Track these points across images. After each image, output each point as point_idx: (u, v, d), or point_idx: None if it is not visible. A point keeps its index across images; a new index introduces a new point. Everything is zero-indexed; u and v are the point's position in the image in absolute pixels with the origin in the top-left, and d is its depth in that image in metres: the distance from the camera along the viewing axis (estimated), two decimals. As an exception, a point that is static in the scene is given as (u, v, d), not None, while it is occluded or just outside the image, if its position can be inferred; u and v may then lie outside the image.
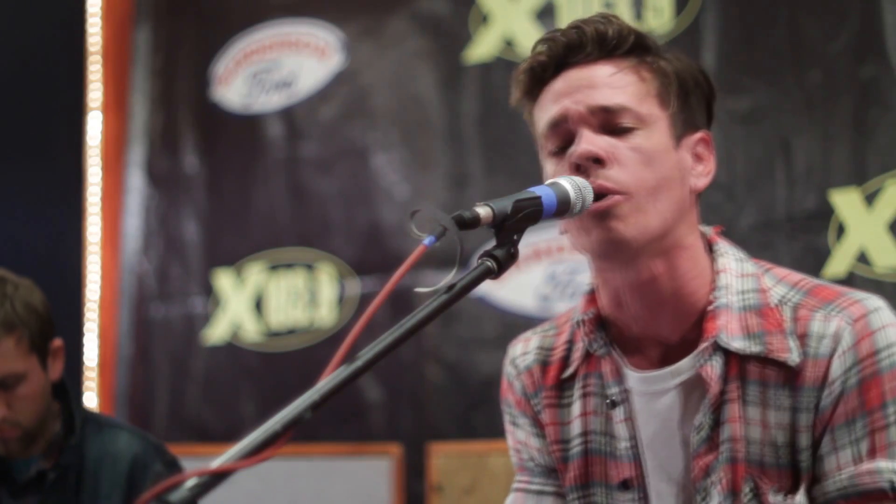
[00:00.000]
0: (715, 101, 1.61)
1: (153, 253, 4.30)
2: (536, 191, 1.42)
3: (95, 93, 4.37)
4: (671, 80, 1.53)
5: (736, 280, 1.53)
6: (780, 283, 1.53)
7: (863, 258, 2.99)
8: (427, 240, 1.26)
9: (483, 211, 1.33)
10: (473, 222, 1.32)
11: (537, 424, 1.67)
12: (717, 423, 1.49)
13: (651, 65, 1.53)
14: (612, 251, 1.49)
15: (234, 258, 4.12)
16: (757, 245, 3.12)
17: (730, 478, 1.47)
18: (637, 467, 1.56)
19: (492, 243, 1.36)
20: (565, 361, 1.64)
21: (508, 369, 1.71)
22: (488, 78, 3.68)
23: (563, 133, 1.53)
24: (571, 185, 1.45)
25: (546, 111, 1.55)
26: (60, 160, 4.38)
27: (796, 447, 1.46)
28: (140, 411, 4.23)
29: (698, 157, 1.56)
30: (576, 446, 1.61)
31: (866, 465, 1.43)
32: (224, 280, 4.13)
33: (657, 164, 1.49)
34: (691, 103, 1.55)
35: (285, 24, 4.16)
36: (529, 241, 3.47)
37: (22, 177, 4.27)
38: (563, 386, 1.64)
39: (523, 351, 1.70)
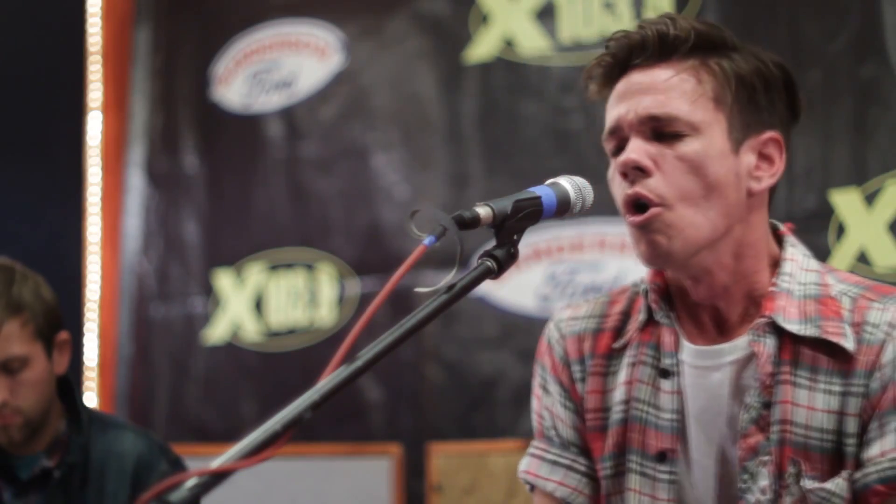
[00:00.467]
0: (798, 95, 1.61)
1: (153, 253, 4.30)
2: (536, 191, 1.42)
3: (95, 93, 4.37)
4: (731, 82, 1.53)
5: (800, 271, 1.55)
6: (841, 282, 1.56)
7: (863, 258, 2.99)
8: (427, 240, 1.27)
9: (483, 211, 1.33)
10: (473, 222, 1.32)
11: (570, 395, 1.67)
12: (767, 405, 1.50)
13: (712, 66, 1.53)
14: (659, 264, 1.53)
15: (234, 258, 4.12)
16: (757, 245, 3.12)
17: (778, 460, 1.48)
18: (678, 441, 1.56)
19: (492, 243, 1.36)
20: (618, 332, 1.65)
21: (552, 332, 1.71)
22: (488, 78, 3.68)
23: (619, 139, 1.54)
24: (571, 185, 1.45)
25: (609, 114, 1.57)
26: (60, 160, 4.38)
27: (844, 432, 1.47)
28: (140, 411, 4.23)
29: (765, 158, 1.56)
30: (616, 413, 1.61)
31: None
32: (224, 280, 4.13)
33: (706, 171, 1.49)
34: (759, 103, 1.55)
35: (285, 24, 4.16)
36: (529, 241, 3.47)
37: (22, 177, 4.27)
38: (612, 355, 1.64)
39: (572, 316, 1.70)
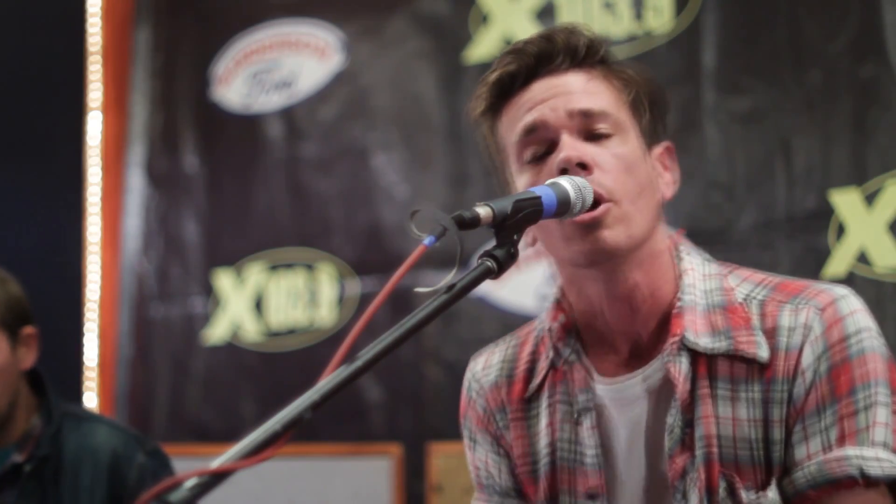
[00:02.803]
0: (666, 115, 1.62)
1: (153, 253, 4.30)
2: (536, 191, 1.42)
3: (95, 93, 4.37)
4: (640, 90, 1.55)
5: (700, 280, 1.53)
6: (744, 282, 1.53)
7: (863, 258, 2.99)
8: (427, 240, 1.26)
9: (483, 211, 1.33)
10: (473, 222, 1.32)
11: (498, 443, 1.66)
12: (689, 423, 1.48)
13: (619, 75, 1.55)
14: (600, 260, 1.49)
15: (234, 258, 4.12)
16: (757, 245, 3.12)
17: (706, 476, 1.46)
18: (604, 476, 1.55)
19: (492, 243, 1.36)
20: (530, 374, 1.63)
21: (471, 385, 1.69)
22: (488, 78, 3.67)
23: (540, 140, 1.52)
24: (572, 185, 1.45)
25: (519, 120, 1.54)
26: (60, 160, 4.38)
27: (770, 441, 1.45)
28: (140, 411, 4.23)
29: (664, 167, 1.58)
30: (544, 458, 1.60)
31: (835, 453, 1.42)
32: (224, 280, 4.13)
33: (636, 171, 1.50)
34: (656, 114, 1.57)
35: (285, 24, 4.16)
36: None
37: (22, 177, 4.27)
38: (530, 399, 1.63)
39: (485, 366, 1.69)
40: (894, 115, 3.00)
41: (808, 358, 1.44)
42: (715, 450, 1.46)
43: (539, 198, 1.41)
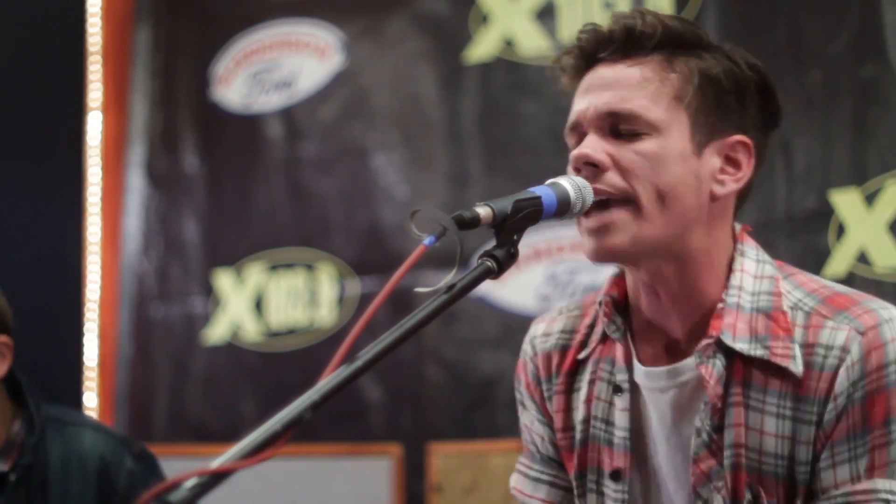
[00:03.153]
0: (774, 99, 1.55)
1: (153, 253, 4.30)
2: (536, 191, 1.42)
3: (95, 93, 4.37)
4: (696, 81, 1.48)
5: (751, 281, 1.49)
6: (797, 289, 1.49)
7: (863, 258, 2.99)
8: (427, 240, 1.26)
9: (483, 211, 1.33)
10: (473, 222, 1.31)
11: (543, 412, 1.65)
12: (719, 428, 1.45)
13: (677, 64, 1.49)
14: (605, 261, 1.49)
15: (234, 258, 4.12)
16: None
17: (732, 485, 1.44)
18: (631, 459, 1.53)
19: (492, 243, 1.36)
20: (583, 345, 1.62)
21: (526, 348, 1.68)
22: (488, 78, 3.68)
23: (579, 134, 1.52)
24: (571, 185, 1.45)
25: (572, 108, 1.54)
26: (60, 160, 4.37)
27: (795, 460, 1.42)
28: (140, 411, 4.23)
29: (732, 162, 1.50)
30: (579, 433, 1.59)
31: (863, 485, 1.38)
32: (224, 280, 4.13)
33: (665, 169, 1.45)
34: (727, 105, 1.50)
35: (285, 24, 4.16)
36: (529, 241, 3.47)
37: (22, 177, 4.27)
38: (576, 370, 1.62)
39: (545, 332, 1.67)
40: (894, 115, 3.00)
41: (842, 383, 1.39)
42: (743, 460, 1.44)
43: (539, 198, 1.41)
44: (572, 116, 1.52)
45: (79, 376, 4.19)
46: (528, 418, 1.68)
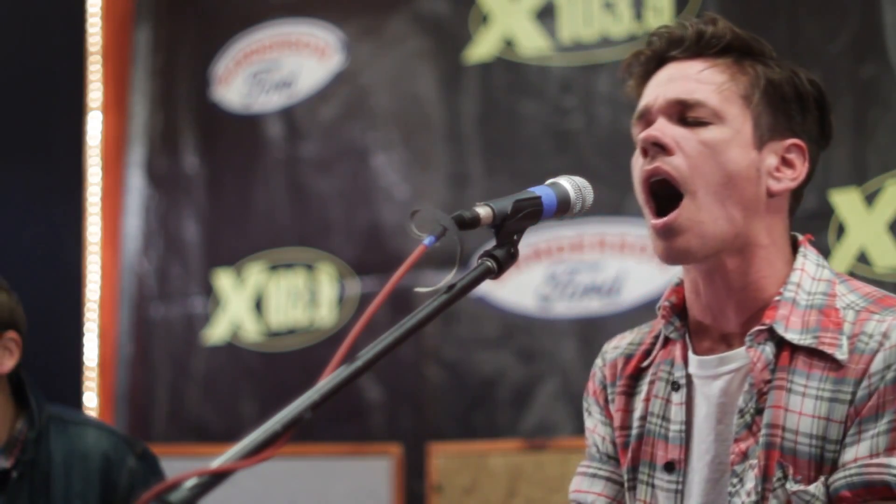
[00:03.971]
0: (829, 115, 1.66)
1: (153, 253, 4.30)
2: (536, 191, 1.42)
3: (95, 93, 4.37)
4: (760, 82, 1.57)
5: (809, 281, 1.56)
6: (851, 293, 1.55)
7: (863, 258, 2.99)
8: (427, 240, 1.27)
9: (483, 211, 1.33)
10: (473, 222, 1.32)
11: (606, 413, 1.71)
12: (760, 411, 1.51)
13: (745, 66, 1.58)
14: (676, 263, 1.56)
15: (234, 258, 4.12)
16: (757, 245, 3.12)
17: (764, 463, 1.49)
18: (684, 451, 1.58)
19: (492, 243, 1.36)
20: (647, 354, 1.68)
21: (597, 361, 1.75)
22: (488, 78, 3.68)
23: (647, 123, 1.57)
24: (571, 185, 1.45)
25: (640, 102, 1.60)
26: (60, 160, 4.38)
27: (827, 438, 1.47)
28: (140, 411, 4.23)
29: (787, 163, 1.58)
30: (635, 429, 1.64)
31: (879, 459, 1.43)
32: (224, 280, 4.13)
33: (727, 158, 1.52)
34: (787, 111, 1.59)
35: (285, 24, 4.16)
36: (529, 241, 3.47)
37: (22, 177, 4.27)
38: (638, 375, 1.68)
39: (615, 345, 1.74)
40: (894, 115, 3.00)
41: (878, 364, 1.45)
42: (778, 440, 1.49)
43: (539, 198, 1.41)
44: (641, 106, 1.59)
45: (79, 376, 4.19)
46: (592, 423, 1.73)
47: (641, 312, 3.37)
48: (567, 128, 3.53)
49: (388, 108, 3.90)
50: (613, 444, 1.69)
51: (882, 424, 1.44)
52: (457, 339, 3.65)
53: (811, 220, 3.07)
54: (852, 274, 2.96)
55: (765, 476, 1.48)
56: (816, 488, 1.46)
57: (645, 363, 1.67)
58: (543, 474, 3.42)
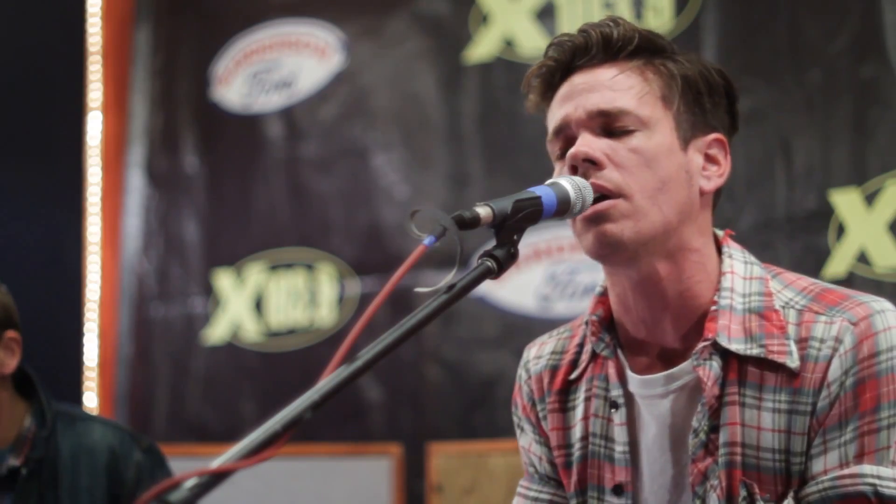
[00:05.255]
0: (737, 104, 1.60)
1: (153, 253, 4.30)
2: (536, 191, 1.42)
3: (95, 93, 4.37)
4: (677, 82, 1.52)
5: (741, 282, 1.51)
6: (787, 288, 1.51)
7: (863, 258, 2.99)
8: (427, 240, 1.26)
9: (483, 211, 1.33)
10: (473, 222, 1.31)
11: (539, 431, 1.67)
12: (714, 428, 1.47)
13: (657, 66, 1.53)
14: (606, 253, 1.48)
15: (234, 258, 4.12)
16: (757, 245, 3.10)
17: (726, 483, 1.45)
18: (632, 472, 1.55)
19: (492, 243, 1.36)
20: (574, 364, 1.63)
21: (520, 372, 1.71)
22: (488, 78, 3.68)
23: (567, 138, 1.53)
24: (571, 184, 1.45)
25: (552, 117, 1.55)
26: (60, 160, 4.38)
27: (791, 451, 1.44)
28: (140, 411, 4.23)
29: (711, 159, 1.54)
30: (577, 450, 1.60)
31: (851, 469, 1.40)
32: (224, 280, 4.13)
33: (658, 164, 1.48)
34: (704, 105, 1.54)
35: (285, 24, 4.16)
36: (529, 241, 3.47)
37: (22, 177, 4.27)
38: (568, 389, 1.63)
39: (537, 355, 1.70)
40: (894, 115, 3.00)
41: (835, 371, 1.42)
42: (738, 458, 1.46)
43: (539, 198, 1.40)
44: (556, 121, 1.54)
45: (79, 376, 4.19)
46: (526, 440, 1.70)
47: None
48: (567, 128, 3.53)
49: (388, 108, 3.90)
50: (552, 464, 1.65)
51: (848, 433, 1.41)
52: (457, 339, 3.65)
53: (811, 220, 3.07)
54: (852, 274, 2.97)
55: (729, 496, 1.45)
56: (789, 503, 1.43)
57: (573, 376, 1.62)
58: (543, 474, 3.42)
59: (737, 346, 1.47)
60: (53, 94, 4.37)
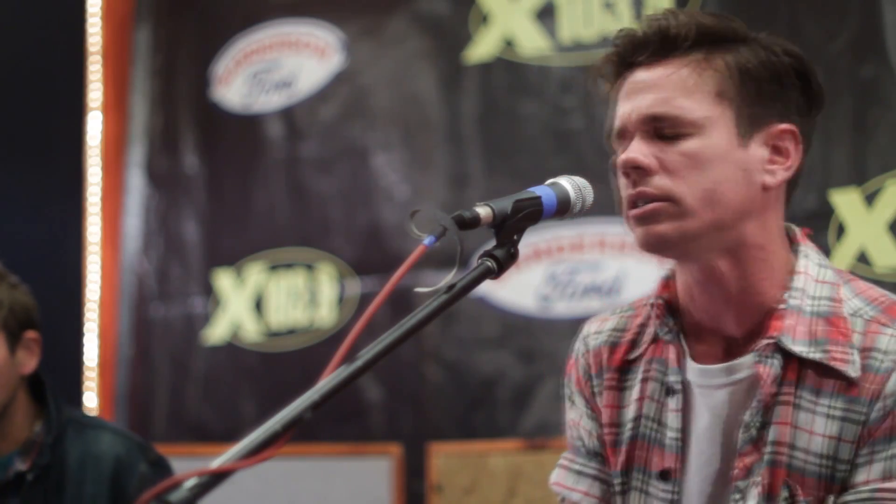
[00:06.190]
0: (813, 83, 1.54)
1: (153, 253, 4.30)
2: (536, 191, 1.42)
3: (95, 93, 4.37)
4: (735, 75, 1.49)
5: (812, 285, 1.50)
6: (857, 297, 1.50)
7: (863, 258, 2.99)
8: (427, 240, 1.26)
9: (483, 211, 1.33)
10: (473, 222, 1.32)
11: (591, 407, 1.66)
12: (765, 425, 1.47)
13: (715, 60, 1.50)
14: (653, 250, 1.50)
15: (234, 258, 4.12)
16: (757, 245, 3.12)
17: (769, 481, 1.46)
18: (680, 460, 1.54)
19: (492, 243, 1.36)
20: (634, 344, 1.62)
21: (578, 345, 1.69)
22: (488, 78, 3.68)
23: (624, 139, 1.52)
24: (571, 185, 1.45)
25: (615, 113, 1.54)
26: (60, 160, 4.38)
27: (838, 458, 1.44)
28: (140, 411, 4.23)
29: (778, 151, 1.51)
30: (628, 430, 1.60)
31: (892, 483, 1.40)
32: (224, 280, 4.13)
33: (711, 166, 1.46)
34: (768, 95, 1.50)
35: (285, 24, 4.16)
36: (529, 241, 3.47)
37: (22, 177, 4.27)
38: (626, 368, 1.62)
39: (597, 330, 1.68)
40: (894, 115, 3.00)
41: (893, 385, 1.42)
42: (784, 458, 1.46)
43: (539, 198, 1.41)
44: (617, 122, 1.53)
45: (79, 376, 4.19)
46: (576, 414, 1.68)
47: (641, 312, 3.38)
48: (567, 128, 3.53)
49: (388, 108, 3.90)
50: (600, 440, 1.64)
51: (895, 447, 1.41)
52: (457, 339, 3.65)
53: (811, 220, 3.06)
54: (852, 274, 2.96)
55: (769, 495, 1.45)
56: None
57: (632, 356, 1.61)
58: (543, 474, 3.40)
59: (800, 349, 1.46)
60: (53, 94, 4.37)
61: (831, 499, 1.44)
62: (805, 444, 1.45)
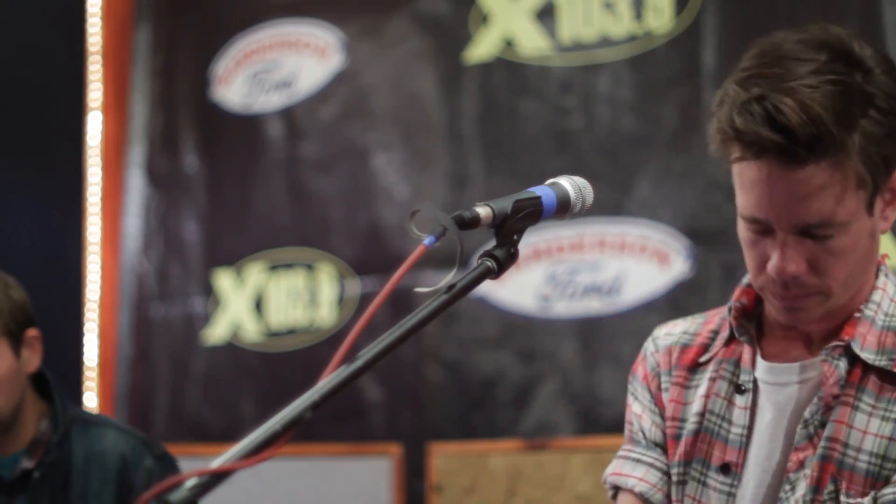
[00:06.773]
0: None
1: (153, 253, 4.30)
2: (536, 191, 1.42)
3: (95, 93, 4.37)
4: (870, 153, 1.46)
5: (888, 302, 1.57)
6: None
7: None
8: (427, 240, 1.26)
9: (483, 211, 1.33)
10: (473, 222, 1.31)
11: (656, 401, 1.70)
12: (823, 424, 1.52)
13: (851, 152, 1.45)
14: (794, 325, 1.57)
15: (234, 258, 4.12)
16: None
17: (818, 475, 1.50)
18: (742, 455, 1.59)
19: (492, 243, 1.36)
20: (705, 348, 1.67)
21: (647, 345, 1.74)
22: (488, 78, 3.68)
23: (762, 228, 1.51)
24: (571, 185, 1.45)
25: (745, 192, 1.50)
26: (60, 160, 4.38)
27: (886, 458, 1.48)
28: (140, 411, 4.23)
29: (887, 203, 1.53)
30: (691, 424, 1.64)
31: None
32: (224, 280, 4.13)
33: (854, 252, 1.51)
34: (888, 154, 1.49)
35: (285, 24, 4.16)
36: (529, 241, 3.47)
37: (22, 177, 4.27)
38: (695, 369, 1.67)
39: (668, 332, 1.73)
40: (894, 115, 3.00)
41: None
42: (836, 454, 1.50)
43: (539, 198, 1.40)
44: (755, 211, 1.49)
45: (79, 376, 4.19)
46: (639, 408, 1.72)
47: (641, 312, 3.38)
48: (567, 128, 3.53)
49: (388, 108, 3.90)
50: (661, 431, 1.68)
51: None
52: (457, 339, 3.65)
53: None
54: None
55: (816, 487, 1.50)
56: (868, 502, 1.48)
57: (703, 358, 1.66)
58: (543, 474, 3.42)
59: (867, 355, 1.52)
60: (53, 94, 4.37)
61: (872, 494, 1.48)
62: (857, 443, 1.50)
